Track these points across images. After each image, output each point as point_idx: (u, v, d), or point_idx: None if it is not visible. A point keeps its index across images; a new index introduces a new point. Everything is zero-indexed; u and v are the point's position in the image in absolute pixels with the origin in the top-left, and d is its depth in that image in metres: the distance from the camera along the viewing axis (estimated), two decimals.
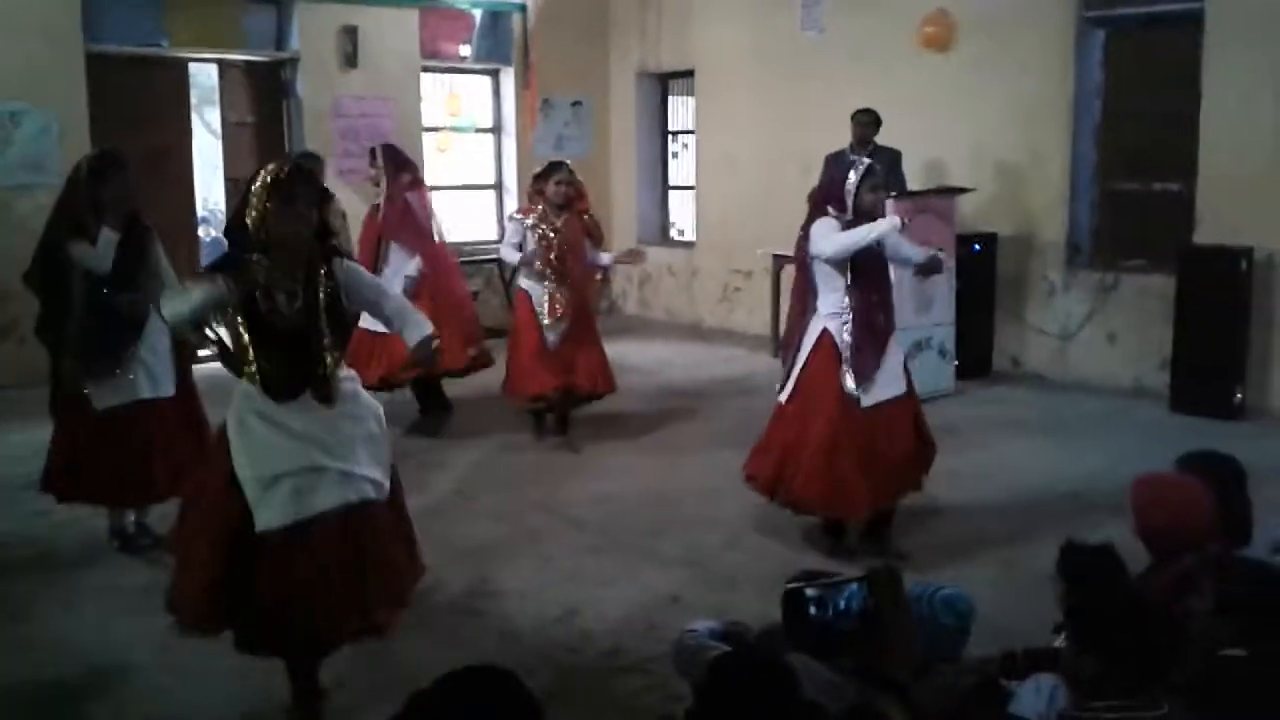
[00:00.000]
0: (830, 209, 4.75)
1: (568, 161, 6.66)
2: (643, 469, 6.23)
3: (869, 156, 7.87)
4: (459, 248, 10.29)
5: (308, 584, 3.23)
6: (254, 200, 3.26)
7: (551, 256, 6.42)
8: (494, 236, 10.86)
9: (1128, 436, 6.58)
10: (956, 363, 7.81)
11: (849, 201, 4.69)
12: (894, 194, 7.37)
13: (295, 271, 3.31)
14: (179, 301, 3.28)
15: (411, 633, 3.84)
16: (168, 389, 4.82)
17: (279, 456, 3.28)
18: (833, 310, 4.76)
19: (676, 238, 11.58)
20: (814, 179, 8.06)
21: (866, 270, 4.74)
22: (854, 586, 1.65)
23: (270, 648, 3.40)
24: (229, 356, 3.34)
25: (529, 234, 6.44)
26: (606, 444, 6.67)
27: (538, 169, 6.70)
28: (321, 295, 3.34)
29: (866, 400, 4.72)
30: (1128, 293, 7.75)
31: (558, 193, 6.42)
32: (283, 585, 3.23)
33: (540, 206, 6.47)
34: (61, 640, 4.12)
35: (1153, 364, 7.52)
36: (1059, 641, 3.00)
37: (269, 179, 3.27)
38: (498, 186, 11.21)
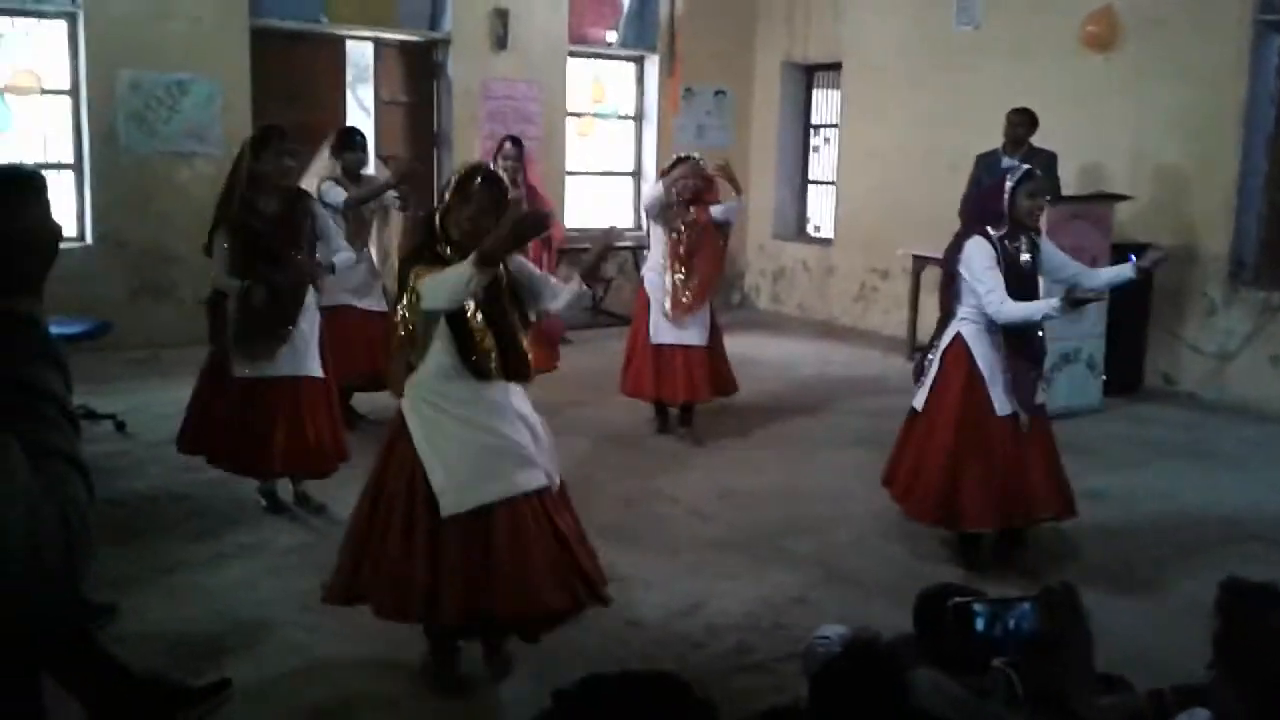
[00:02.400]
0: (988, 228, 4.54)
1: (696, 155, 6.59)
2: (770, 465, 6.16)
3: (1023, 158, 7.66)
4: (597, 234, 10.39)
5: (490, 566, 3.33)
6: (447, 195, 3.42)
7: (681, 250, 6.38)
8: (630, 223, 10.91)
9: None
10: (1105, 378, 7.50)
11: (1003, 211, 4.50)
12: (1048, 199, 7.11)
13: None
14: (442, 290, 3.27)
15: None
16: (312, 369, 4.93)
17: (458, 443, 3.38)
18: (974, 320, 4.61)
19: (813, 233, 11.43)
20: (962, 179, 7.90)
21: (1018, 298, 4.50)
22: (1026, 606, 1.57)
23: (459, 631, 3.53)
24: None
25: (666, 209, 6.39)
26: (733, 439, 6.62)
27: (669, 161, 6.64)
28: (503, 282, 3.45)
29: (1002, 410, 4.56)
30: None
31: (685, 186, 6.37)
32: (467, 568, 3.32)
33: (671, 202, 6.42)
34: (207, 594, 4.28)
35: None
36: (1210, 679, 2.84)
37: (456, 179, 3.43)
38: (637, 174, 11.23)
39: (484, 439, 3.40)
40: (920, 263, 8.91)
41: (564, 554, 3.46)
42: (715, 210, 6.45)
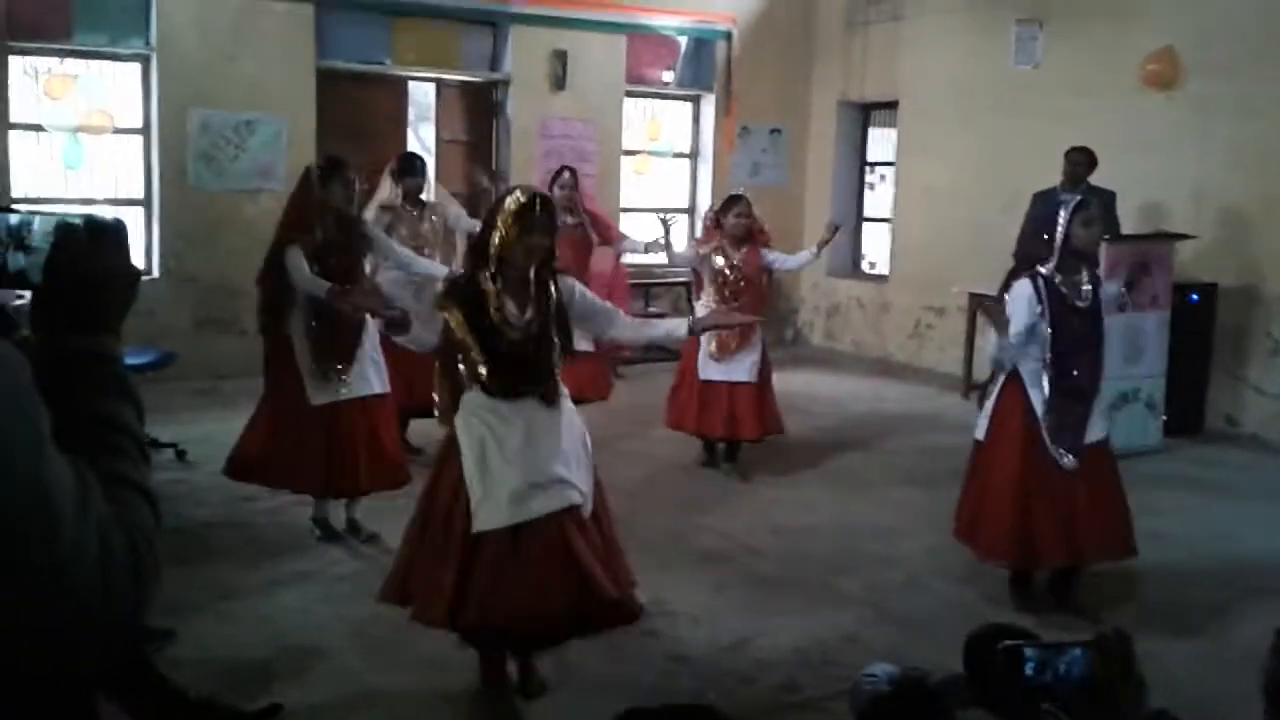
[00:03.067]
0: (1039, 268, 4.50)
1: (746, 194, 6.63)
2: (820, 502, 6.13)
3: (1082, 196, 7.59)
4: (651, 270, 10.47)
5: (521, 582, 3.40)
6: (500, 223, 3.49)
7: (726, 292, 6.40)
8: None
9: None
10: (1165, 418, 7.37)
11: (1057, 241, 4.46)
12: (1108, 237, 7.04)
13: (526, 286, 3.55)
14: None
15: (584, 646, 3.88)
16: (378, 387, 5.10)
17: (501, 461, 3.47)
18: (1033, 358, 4.56)
19: (868, 270, 11.39)
20: (1018, 218, 7.85)
21: (1068, 339, 4.47)
22: (1077, 651, 1.55)
23: (492, 642, 3.61)
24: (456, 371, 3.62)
25: (703, 261, 6.46)
26: (785, 475, 6.59)
27: (717, 203, 6.72)
28: (551, 305, 3.55)
29: (1068, 462, 4.51)
30: None
31: (737, 225, 6.39)
32: (500, 583, 3.40)
33: (718, 239, 6.46)
34: (260, 620, 4.35)
35: None
36: None
37: (515, 207, 3.48)
38: (692, 210, 11.29)
39: (523, 458, 3.48)
40: (976, 301, 8.83)
41: (578, 574, 3.46)
42: (771, 258, 6.50)
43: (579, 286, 3.73)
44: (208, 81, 8.61)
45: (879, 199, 11.19)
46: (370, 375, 5.07)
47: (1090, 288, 4.53)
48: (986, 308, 4.43)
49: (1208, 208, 7.84)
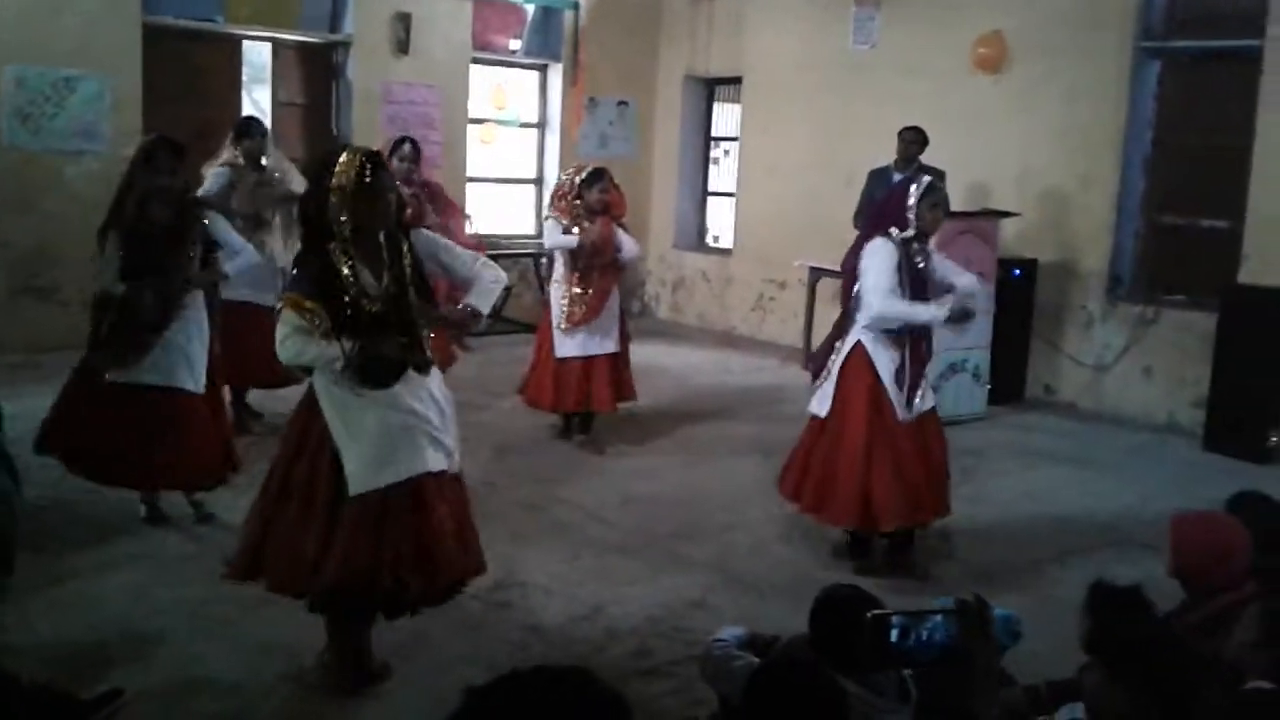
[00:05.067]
0: (891, 229, 4.67)
1: (606, 168, 6.68)
2: (669, 472, 6.24)
3: (913, 175, 7.90)
4: (498, 240, 10.38)
5: (385, 544, 3.36)
6: (336, 193, 3.34)
7: (581, 264, 6.43)
8: (532, 231, 10.91)
9: (1159, 473, 6.53)
10: (989, 387, 7.78)
11: (910, 217, 4.65)
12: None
13: (379, 250, 3.44)
14: (298, 354, 3.40)
15: (437, 621, 3.87)
16: (183, 381, 4.78)
17: (370, 425, 3.40)
18: (873, 328, 4.75)
19: (712, 244, 11.59)
20: (856, 193, 8.12)
21: (912, 299, 4.68)
22: (939, 618, 1.65)
23: (348, 608, 3.52)
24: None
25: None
26: (634, 446, 6.69)
27: (572, 171, 6.64)
28: (407, 267, 3.47)
29: (906, 416, 4.72)
30: (1167, 328, 7.70)
31: (599, 200, 6.42)
32: (362, 546, 3.35)
33: (574, 211, 6.44)
34: (94, 605, 4.17)
35: (1187, 401, 7.47)
36: (1081, 676, 2.98)
37: (355, 174, 3.34)
38: (538, 181, 11.24)
39: (392, 417, 3.43)
40: (816, 274, 9.12)
41: (430, 539, 3.47)
42: (625, 242, 6.53)
43: (433, 236, 3.64)
44: (24, 35, 8.06)
45: (724, 173, 11.38)
46: (176, 367, 4.74)
47: (924, 263, 4.74)
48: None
49: (1030, 187, 8.28)
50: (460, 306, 3.67)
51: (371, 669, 3.69)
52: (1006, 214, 7.84)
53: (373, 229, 3.42)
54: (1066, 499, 6.02)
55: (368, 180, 3.36)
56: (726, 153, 11.35)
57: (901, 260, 4.63)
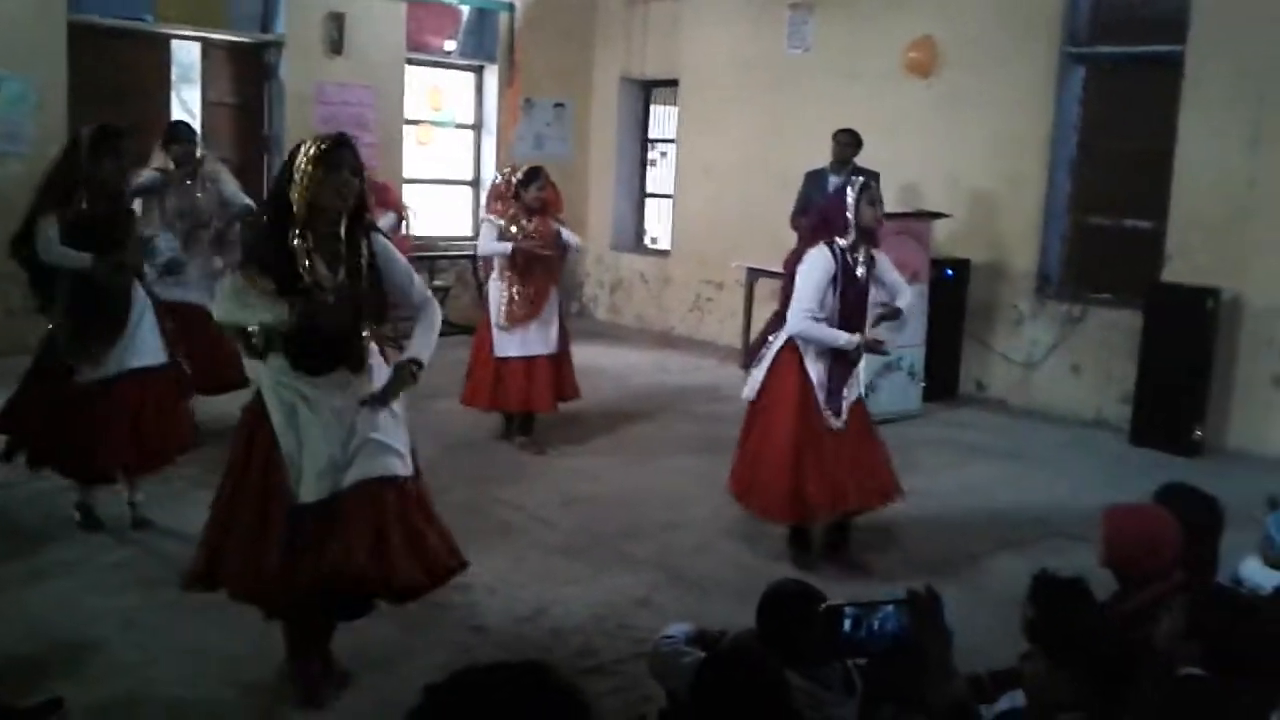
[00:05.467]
0: (836, 239, 4.72)
1: (542, 166, 6.68)
2: (611, 472, 6.26)
3: (848, 176, 8.00)
4: (435, 242, 10.32)
5: (345, 549, 3.31)
6: (299, 172, 3.29)
7: (519, 260, 6.42)
8: (469, 232, 10.86)
9: (1088, 466, 6.70)
10: (924, 384, 7.92)
11: (850, 219, 4.71)
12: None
13: (336, 243, 3.37)
14: (237, 310, 3.34)
15: (381, 621, 3.83)
16: (150, 358, 4.77)
17: (318, 430, 3.36)
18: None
19: (650, 245, 11.63)
20: (793, 194, 8.21)
21: (849, 307, 4.76)
22: (890, 608, 1.68)
23: (303, 611, 3.47)
24: (259, 338, 3.41)
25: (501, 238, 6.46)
26: (575, 447, 6.69)
27: (509, 171, 6.64)
28: (363, 263, 3.41)
29: (836, 424, 4.80)
30: (1093, 325, 7.90)
31: (536, 199, 6.42)
32: (321, 551, 3.30)
33: (512, 210, 6.45)
34: (26, 614, 4.07)
35: (1114, 396, 7.68)
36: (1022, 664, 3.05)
37: (315, 151, 3.30)
38: (475, 183, 11.20)
39: (338, 426, 3.39)
40: (753, 275, 9.20)
41: (391, 541, 3.42)
42: (566, 234, 6.56)
43: (388, 245, 3.54)
44: None
45: (661, 175, 11.43)
46: (143, 346, 4.73)
47: (866, 270, 4.82)
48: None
49: (961, 189, 8.44)
50: (402, 360, 3.51)
51: (335, 677, 3.64)
52: (938, 215, 7.99)
53: (332, 211, 3.33)
54: (1000, 493, 6.15)
55: (325, 150, 3.30)
56: (663, 154, 11.40)
57: (839, 272, 4.70)
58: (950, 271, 8.22)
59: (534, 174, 6.49)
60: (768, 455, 4.84)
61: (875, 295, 4.97)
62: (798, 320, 4.70)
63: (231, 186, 6.42)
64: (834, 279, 4.69)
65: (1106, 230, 8.11)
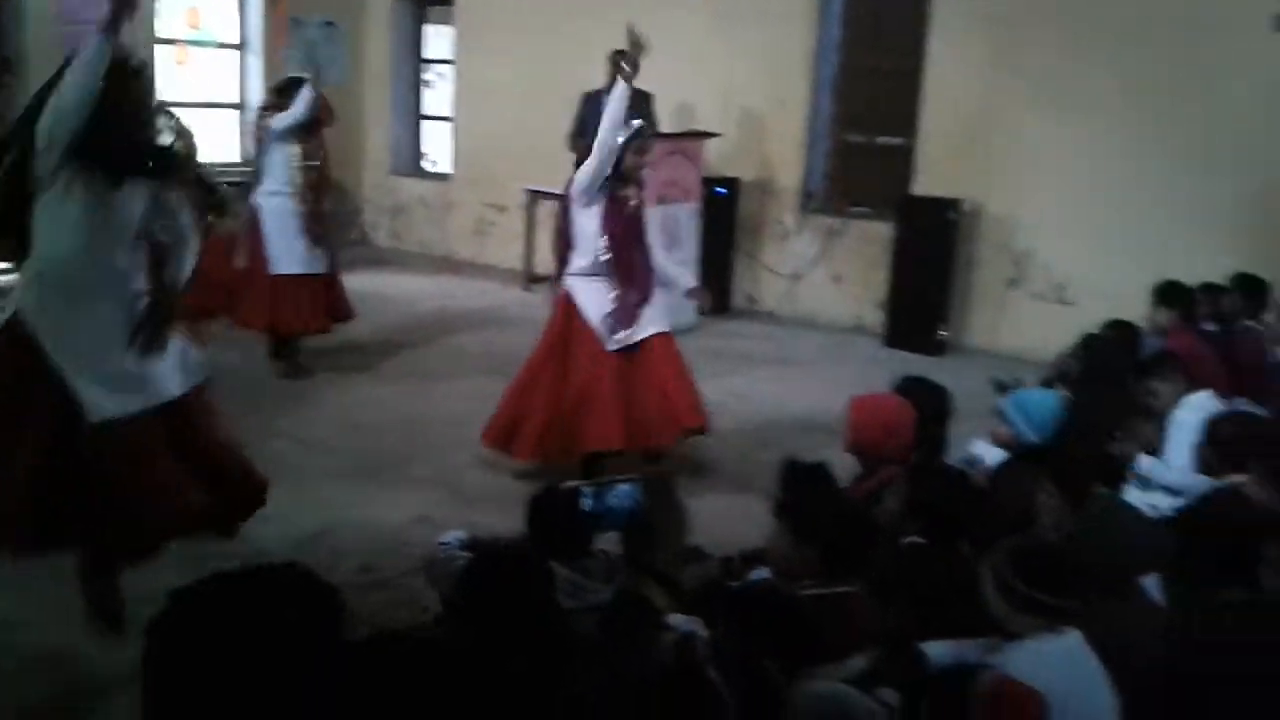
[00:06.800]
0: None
1: (306, 76, 6.52)
2: (392, 397, 6.26)
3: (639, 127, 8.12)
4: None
5: (146, 474, 3.19)
6: None
7: (300, 179, 6.31)
8: (237, 159, 10.40)
9: (847, 369, 7.17)
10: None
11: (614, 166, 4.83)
12: (653, 134, 7.63)
13: None
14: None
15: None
16: None
17: (102, 342, 3.17)
18: (582, 270, 4.90)
19: (430, 169, 11.47)
20: (571, 117, 8.27)
21: (623, 232, 4.88)
22: (625, 486, 1.82)
23: (100, 548, 3.32)
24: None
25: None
26: (358, 374, 6.65)
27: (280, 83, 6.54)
28: None
29: (617, 342, 4.90)
30: (853, 237, 8.38)
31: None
32: (117, 479, 3.15)
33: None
34: None
35: (872, 303, 8.20)
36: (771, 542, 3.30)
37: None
38: (241, 106, 10.69)
39: (108, 349, 3.20)
40: (534, 197, 9.25)
41: (193, 464, 3.34)
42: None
43: None
44: None
45: (439, 97, 11.24)
46: None
47: (636, 200, 4.96)
48: None
49: (731, 108, 8.71)
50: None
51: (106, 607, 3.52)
52: (709, 134, 8.23)
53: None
54: (767, 396, 6.53)
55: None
56: (441, 75, 11.20)
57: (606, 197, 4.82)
58: (722, 189, 8.52)
59: (295, 83, 6.40)
60: (532, 395, 4.91)
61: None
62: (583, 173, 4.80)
63: None
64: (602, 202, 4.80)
65: (864, 147, 8.58)
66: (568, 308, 4.91)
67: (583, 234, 4.88)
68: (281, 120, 6.30)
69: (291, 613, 1.61)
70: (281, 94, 6.34)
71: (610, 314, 4.87)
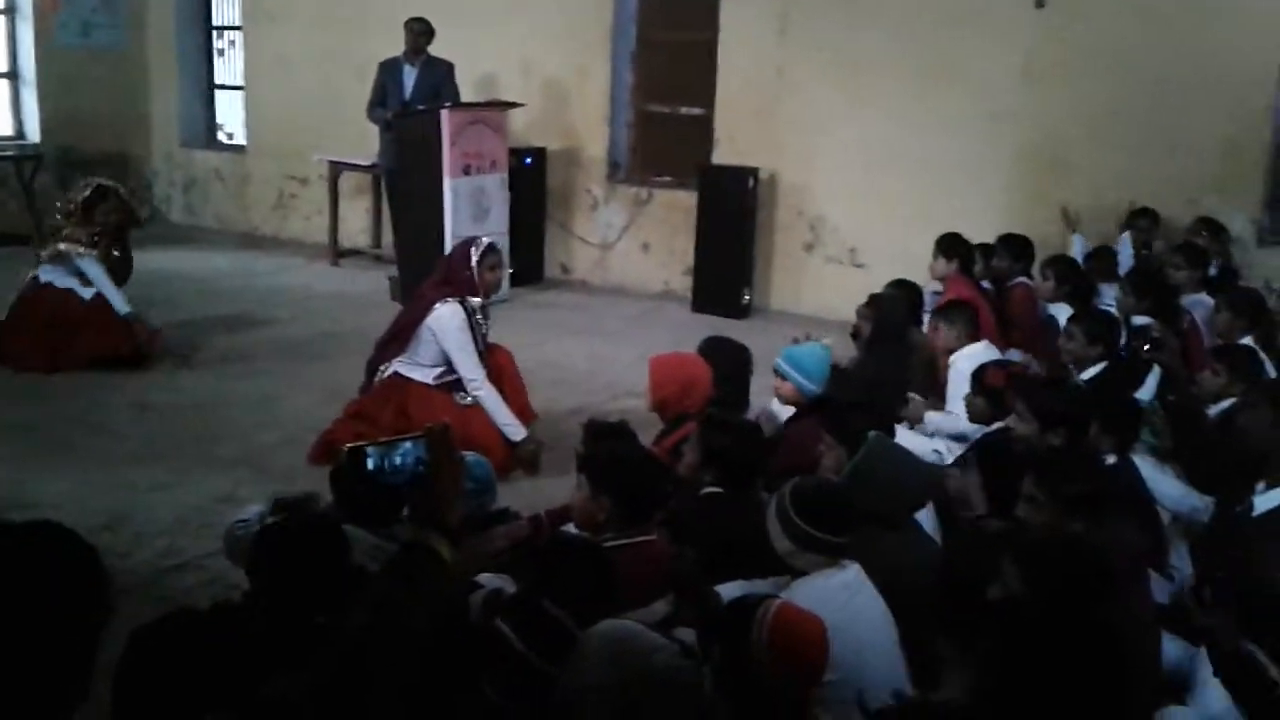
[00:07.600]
0: (467, 298, 4.88)
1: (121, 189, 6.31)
2: (193, 382, 6.05)
3: (422, 65, 8.06)
4: None
5: None
6: None
7: None
8: (10, 131, 9.75)
9: (656, 333, 7.32)
10: (511, 270, 8.22)
11: (476, 282, 4.90)
12: (446, 105, 7.59)
13: None
14: None
15: None
16: None
17: None
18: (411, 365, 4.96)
19: (225, 141, 11.02)
20: (370, 85, 8.12)
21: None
22: (409, 444, 1.85)
23: None
24: None
25: None
26: (155, 359, 6.33)
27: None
28: None
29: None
30: (659, 206, 8.57)
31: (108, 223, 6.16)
32: None
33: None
34: None
35: (679, 270, 8.42)
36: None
37: None
38: (13, 75, 9.99)
39: None
40: (337, 168, 9.06)
41: None
42: None
43: None
44: None
45: (230, 66, 10.80)
46: None
47: (485, 322, 5.04)
48: None
49: (534, 79, 8.73)
50: None
51: None
52: (512, 104, 8.23)
53: None
54: (579, 363, 6.64)
55: None
56: (233, 43, 10.76)
57: (470, 322, 4.89)
58: (529, 160, 8.54)
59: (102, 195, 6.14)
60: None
61: None
62: (482, 390, 4.90)
63: None
64: (471, 328, 4.88)
65: (665, 117, 8.76)
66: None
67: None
68: None
69: (45, 570, 1.53)
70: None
71: None
